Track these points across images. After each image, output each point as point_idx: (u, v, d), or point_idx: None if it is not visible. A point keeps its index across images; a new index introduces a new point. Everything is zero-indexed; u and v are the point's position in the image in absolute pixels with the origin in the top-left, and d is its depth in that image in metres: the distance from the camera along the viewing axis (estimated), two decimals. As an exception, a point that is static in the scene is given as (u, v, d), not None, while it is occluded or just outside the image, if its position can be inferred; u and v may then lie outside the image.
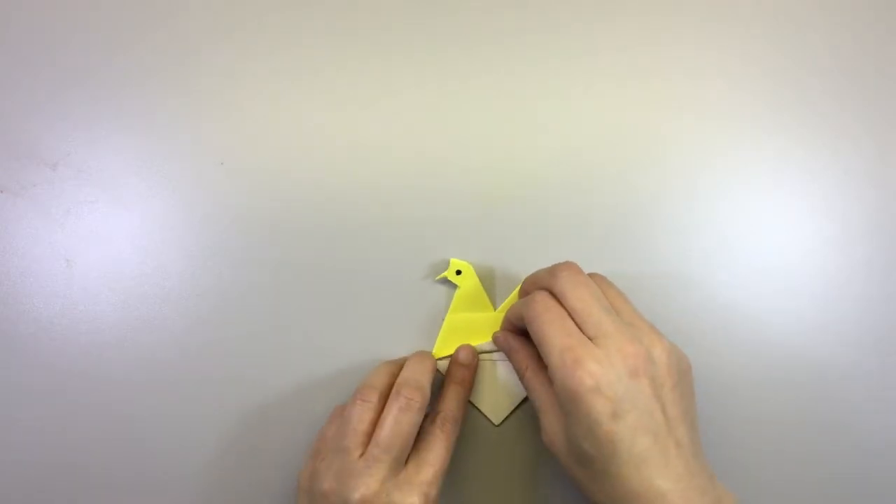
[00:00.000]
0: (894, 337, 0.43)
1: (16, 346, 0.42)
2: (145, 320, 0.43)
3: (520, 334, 0.40)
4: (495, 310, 0.43)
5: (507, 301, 0.43)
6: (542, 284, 0.37)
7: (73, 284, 0.43)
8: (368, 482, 0.35)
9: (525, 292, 0.39)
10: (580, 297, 0.35)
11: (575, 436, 0.34)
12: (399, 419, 0.36)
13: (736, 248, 0.43)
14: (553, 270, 0.37)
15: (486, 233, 0.43)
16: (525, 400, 0.42)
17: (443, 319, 0.43)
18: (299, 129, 0.44)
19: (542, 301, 0.36)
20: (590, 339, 0.34)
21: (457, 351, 0.42)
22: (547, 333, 0.34)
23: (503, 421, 0.42)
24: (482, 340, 0.42)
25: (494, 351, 0.42)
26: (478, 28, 0.44)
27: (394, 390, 0.38)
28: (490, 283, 0.43)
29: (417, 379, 0.38)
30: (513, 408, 0.42)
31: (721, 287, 0.43)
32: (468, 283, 0.42)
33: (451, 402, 0.40)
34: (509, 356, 0.40)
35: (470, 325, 0.42)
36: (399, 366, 0.40)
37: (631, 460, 0.32)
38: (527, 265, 0.43)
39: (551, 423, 0.36)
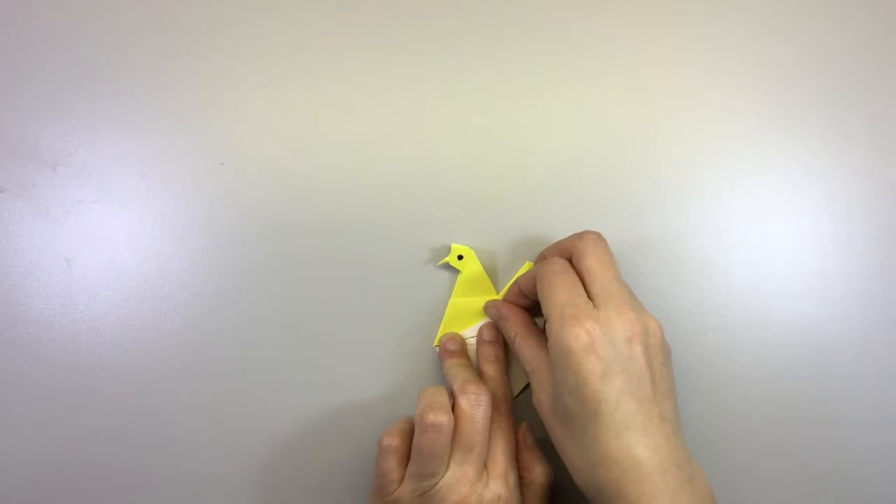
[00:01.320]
0: (894, 337, 0.43)
1: (16, 346, 0.42)
2: (145, 320, 0.43)
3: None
4: (498, 293, 0.43)
5: (508, 284, 0.43)
6: (565, 246, 0.38)
7: (73, 284, 0.43)
8: (460, 488, 0.36)
9: (544, 257, 0.40)
10: (599, 257, 0.36)
11: (561, 392, 0.34)
12: (474, 418, 0.37)
13: (736, 247, 0.43)
14: (580, 233, 0.38)
15: (487, 219, 0.43)
16: (524, 390, 0.42)
17: (446, 304, 0.43)
18: (299, 129, 0.44)
19: (557, 262, 0.37)
20: (594, 301, 0.35)
21: (479, 331, 0.42)
22: (553, 290, 0.35)
23: (516, 397, 0.42)
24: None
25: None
26: (477, 27, 0.44)
27: (458, 391, 0.38)
28: (492, 267, 0.43)
29: (473, 376, 0.39)
30: (526, 383, 0.42)
31: (721, 287, 0.43)
32: (470, 267, 0.43)
33: (495, 383, 0.40)
34: (500, 323, 0.41)
35: (474, 309, 0.43)
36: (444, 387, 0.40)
37: (612, 424, 0.33)
38: (527, 250, 0.43)
39: (540, 383, 0.36)
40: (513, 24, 0.44)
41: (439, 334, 0.43)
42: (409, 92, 0.44)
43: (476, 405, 0.37)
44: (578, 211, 0.43)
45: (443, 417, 0.36)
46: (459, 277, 0.43)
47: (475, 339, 0.43)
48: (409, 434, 0.38)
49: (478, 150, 0.44)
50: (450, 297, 0.43)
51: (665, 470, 0.32)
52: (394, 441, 0.37)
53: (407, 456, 0.37)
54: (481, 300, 0.43)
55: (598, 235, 0.38)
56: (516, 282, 0.41)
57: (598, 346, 0.33)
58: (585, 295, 0.35)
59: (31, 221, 0.43)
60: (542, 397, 0.36)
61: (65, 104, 0.44)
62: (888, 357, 0.43)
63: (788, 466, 0.42)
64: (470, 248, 0.43)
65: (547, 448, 0.39)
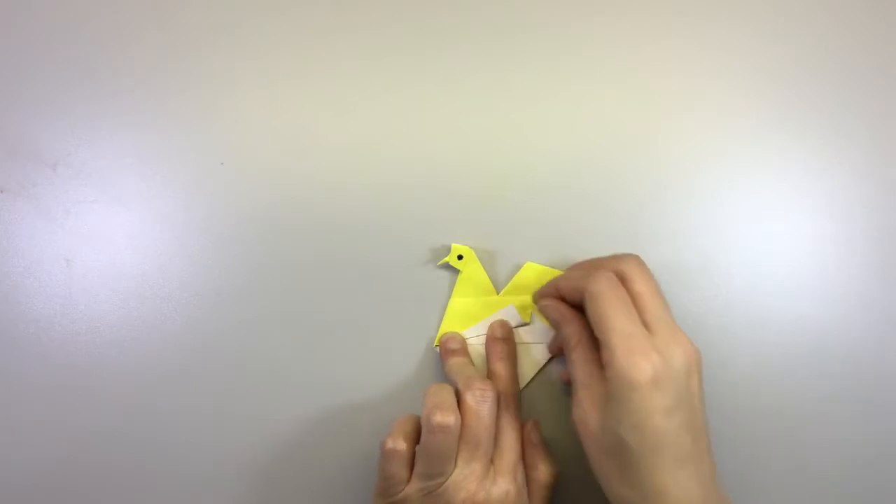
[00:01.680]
0: (894, 337, 0.43)
1: (16, 346, 0.42)
2: (145, 320, 0.43)
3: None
4: (498, 293, 0.43)
5: (509, 284, 0.43)
6: (604, 265, 0.37)
7: (73, 284, 0.43)
8: (468, 485, 0.36)
9: (582, 269, 0.39)
10: (648, 282, 0.35)
11: (617, 424, 0.33)
12: (480, 414, 0.37)
13: (736, 247, 0.43)
14: (619, 256, 0.37)
15: (487, 219, 0.43)
16: (527, 385, 0.42)
17: (446, 304, 0.43)
18: (299, 129, 0.44)
19: (609, 280, 0.35)
20: (648, 328, 0.34)
21: (490, 328, 0.42)
22: (611, 315, 0.34)
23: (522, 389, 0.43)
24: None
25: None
26: (477, 27, 0.44)
27: (463, 387, 0.37)
28: (491, 267, 0.43)
29: (476, 373, 0.39)
30: (527, 382, 0.42)
31: (721, 287, 0.43)
32: (470, 267, 0.43)
33: (503, 381, 0.40)
34: (559, 325, 0.39)
35: (473, 309, 0.43)
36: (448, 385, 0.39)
37: (671, 459, 0.32)
38: (527, 250, 0.43)
39: (588, 404, 0.35)
40: (513, 24, 0.44)
41: (439, 334, 0.43)
42: (410, 92, 0.44)
43: (482, 401, 0.37)
44: (578, 211, 0.43)
45: (450, 418, 0.36)
46: (459, 277, 0.43)
47: (475, 339, 0.43)
48: (412, 435, 0.38)
49: (478, 150, 0.44)
50: (450, 297, 0.43)
51: (709, 502, 0.33)
52: (398, 444, 0.37)
53: (411, 457, 0.37)
54: (481, 300, 0.43)
55: (640, 259, 0.37)
56: (556, 284, 0.39)
57: (663, 381, 0.32)
58: (640, 321, 0.34)
59: (31, 221, 0.43)
60: (587, 419, 0.35)
61: (65, 104, 0.44)
62: (888, 357, 0.43)
63: (788, 466, 0.42)
64: (470, 248, 0.43)
65: (554, 446, 0.39)
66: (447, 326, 0.43)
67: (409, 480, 0.37)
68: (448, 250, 0.43)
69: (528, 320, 0.43)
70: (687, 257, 0.43)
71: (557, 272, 0.43)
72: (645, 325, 0.34)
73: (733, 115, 0.44)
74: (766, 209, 0.44)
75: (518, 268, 0.43)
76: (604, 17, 0.44)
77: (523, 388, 0.42)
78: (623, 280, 0.36)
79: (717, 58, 0.44)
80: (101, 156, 0.44)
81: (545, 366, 0.42)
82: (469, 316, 0.43)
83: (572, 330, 0.37)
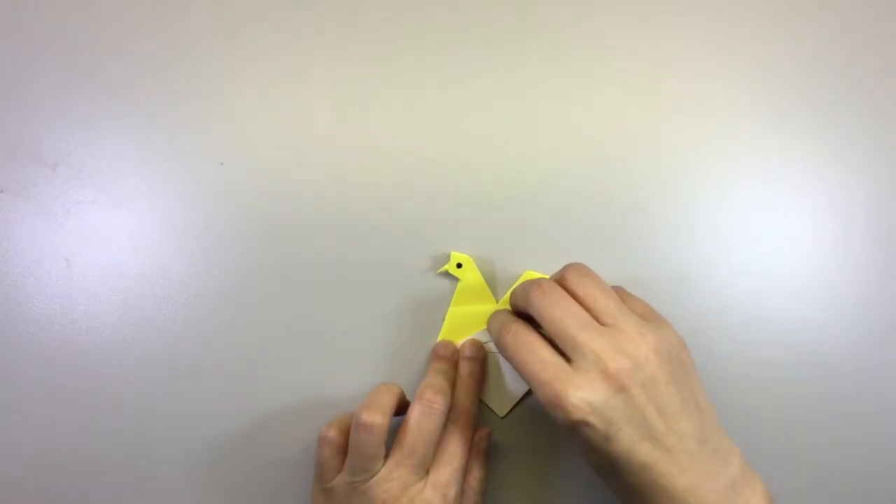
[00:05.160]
0: (894, 337, 0.43)
1: (16, 346, 0.42)
2: (145, 320, 0.43)
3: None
4: (497, 302, 0.43)
5: (508, 293, 0.43)
6: (517, 301, 0.37)
7: (73, 284, 0.43)
8: (391, 487, 0.36)
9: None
10: (587, 285, 0.35)
11: (585, 453, 0.34)
12: (421, 424, 0.37)
13: (736, 247, 0.43)
14: (526, 292, 0.36)
15: (486, 227, 0.43)
16: (530, 392, 0.42)
17: (445, 313, 0.43)
18: (299, 129, 0.44)
19: (515, 325, 0.36)
20: (568, 357, 0.33)
21: (462, 346, 0.42)
22: (523, 363, 0.34)
23: (508, 413, 0.42)
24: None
25: None
26: (478, 28, 0.44)
27: (417, 394, 0.38)
28: (491, 275, 0.43)
29: (440, 384, 0.39)
30: (517, 400, 0.42)
31: (721, 287, 0.43)
32: (469, 275, 0.43)
33: (461, 397, 0.40)
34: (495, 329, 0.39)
35: (473, 318, 0.42)
36: (397, 387, 0.40)
37: (632, 468, 0.33)
38: (527, 259, 0.43)
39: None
40: (513, 26, 0.44)
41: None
42: (410, 93, 0.44)
43: (427, 412, 0.37)
44: (578, 216, 0.43)
45: (375, 418, 0.36)
46: (458, 286, 0.43)
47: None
48: (347, 428, 0.38)
49: (479, 159, 0.44)
50: (449, 305, 0.43)
51: (695, 486, 0.32)
52: (330, 433, 0.38)
53: (344, 448, 0.38)
54: (480, 309, 0.43)
55: (531, 283, 0.36)
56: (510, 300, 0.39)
57: (592, 415, 0.32)
58: (555, 352, 0.34)
59: (31, 221, 0.43)
60: (588, 458, 0.35)
61: (65, 104, 0.44)
62: (888, 357, 0.43)
63: (788, 466, 0.42)
64: (469, 256, 0.43)
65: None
66: (446, 335, 0.43)
67: (340, 470, 0.38)
68: (447, 259, 0.43)
69: None
70: (687, 257, 0.43)
71: None
72: (564, 352, 0.34)
73: (733, 115, 0.44)
74: (766, 209, 0.44)
75: (517, 277, 0.43)
76: (604, 19, 0.44)
77: (517, 403, 0.42)
78: (532, 310, 0.35)
79: (717, 58, 0.44)
80: (101, 156, 0.44)
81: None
82: (468, 324, 0.43)
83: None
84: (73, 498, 0.42)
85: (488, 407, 0.43)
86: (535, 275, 0.43)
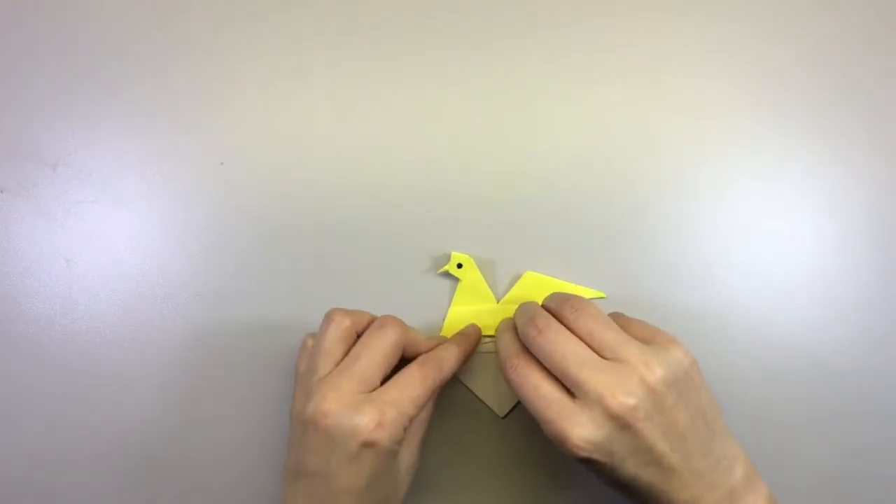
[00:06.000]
0: (894, 337, 0.43)
1: (16, 346, 0.42)
2: (145, 320, 0.43)
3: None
4: (497, 302, 0.43)
5: (509, 293, 0.43)
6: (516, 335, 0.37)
7: (73, 284, 0.43)
8: (324, 391, 0.35)
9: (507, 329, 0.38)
10: (545, 340, 0.34)
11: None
12: (369, 334, 0.37)
13: (736, 247, 0.43)
14: (563, 301, 0.36)
15: (486, 227, 0.43)
16: (516, 405, 0.42)
17: (445, 313, 0.43)
18: (299, 129, 0.44)
19: (523, 364, 0.35)
20: (574, 391, 0.33)
21: (467, 326, 0.42)
22: (532, 404, 0.34)
23: (508, 413, 0.42)
24: (485, 333, 0.42)
25: None
26: (478, 28, 0.44)
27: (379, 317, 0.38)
28: (491, 275, 0.43)
29: (405, 324, 0.38)
30: (517, 400, 0.42)
31: (721, 287, 0.43)
32: (469, 275, 0.43)
33: (439, 350, 0.39)
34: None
35: (473, 318, 0.42)
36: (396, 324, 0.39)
37: (638, 487, 0.33)
38: (527, 259, 0.43)
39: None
40: (513, 26, 0.44)
41: None
42: (410, 93, 0.44)
43: (378, 327, 0.37)
44: (578, 218, 0.43)
45: (340, 316, 0.37)
46: (459, 286, 0.43)
47: (483, 346, 0.43)
48: (359, 324, 0.38)
49: (479, 159, 0.44)
50: (449, 305, 0.43)
51: (696, 498, 0.33)
52: (308, 340, 0.39)
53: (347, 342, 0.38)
54: (481, 309, 0.43)
55: (528, 320, 0.36)
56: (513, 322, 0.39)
57: (596, 452, 0.32)
58: (558, 386, 0.34)
59: (31, 221, 0.43)
60: (596, 477, 0.36)
61: (65, 104, 0.44)
62: (888, 357, 0.43)
63: (788, 466, 0.42)
64: (469, 256, 0.43)
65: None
66: (447, 335, 0.42)
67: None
68: (448, 258, 0.43)
69: None
70: (687, 257, 0.43)
71: (557, 281, 0.43)
72: (569, 386, 0.33)
73: (733, 115, 0.44)
74: (766, 209, 0.44)
75: (518, 277, 0.43)
76: (604, 19, 0.44)
77: (517, 403, 0.42)
78: (529, 343, 0.35)
79: (718, 58, 0.44)
80: (101, 156, 0.44)
81: None
82: (468, 324, 0.43)
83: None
84: (73, 498, 0.42)
85: (488, 407, 0.43)
86: (536, 275, 0.43)
